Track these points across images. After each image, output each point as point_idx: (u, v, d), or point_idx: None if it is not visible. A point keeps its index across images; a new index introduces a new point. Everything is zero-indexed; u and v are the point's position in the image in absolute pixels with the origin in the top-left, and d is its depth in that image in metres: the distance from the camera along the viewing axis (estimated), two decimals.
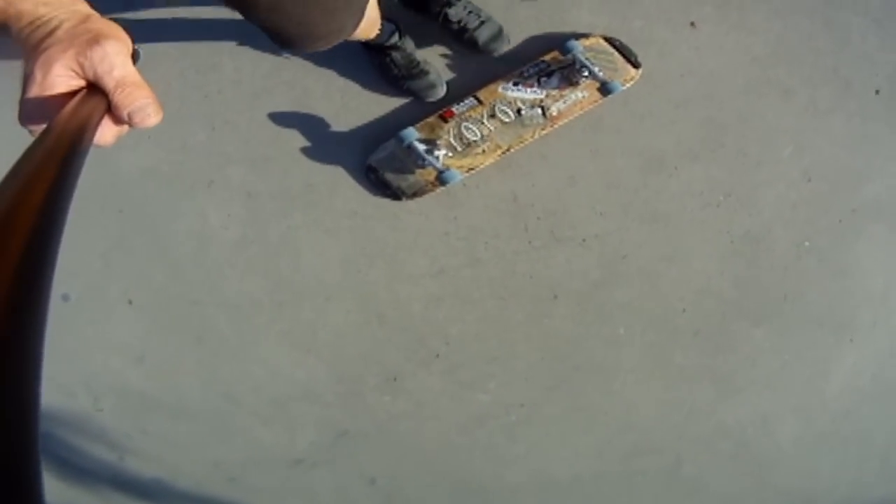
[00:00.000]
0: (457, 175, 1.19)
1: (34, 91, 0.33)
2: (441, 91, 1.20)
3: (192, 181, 1.30)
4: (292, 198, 1.29)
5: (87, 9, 0.36)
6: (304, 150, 1.28)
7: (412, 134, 1.20)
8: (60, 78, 0.33)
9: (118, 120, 0.35)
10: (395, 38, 1.14)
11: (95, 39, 0.33)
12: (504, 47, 1.18)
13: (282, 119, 1.27)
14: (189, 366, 1.41)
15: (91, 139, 0.31)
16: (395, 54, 1.16)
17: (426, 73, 1.19)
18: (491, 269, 1.27)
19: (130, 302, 1.39)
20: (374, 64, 1.21)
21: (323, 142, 1.27)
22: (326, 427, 1.46)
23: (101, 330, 1.41)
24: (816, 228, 1.35)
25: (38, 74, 0.33)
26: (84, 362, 1.43)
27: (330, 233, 1.29)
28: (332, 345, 1.37)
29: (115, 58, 0.34)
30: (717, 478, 1.55)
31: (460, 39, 1.17)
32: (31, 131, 0.34)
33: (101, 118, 0.33)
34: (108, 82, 0.34)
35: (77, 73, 0.33)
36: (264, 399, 1.43)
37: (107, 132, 0.35)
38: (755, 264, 1.34)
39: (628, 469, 1.51)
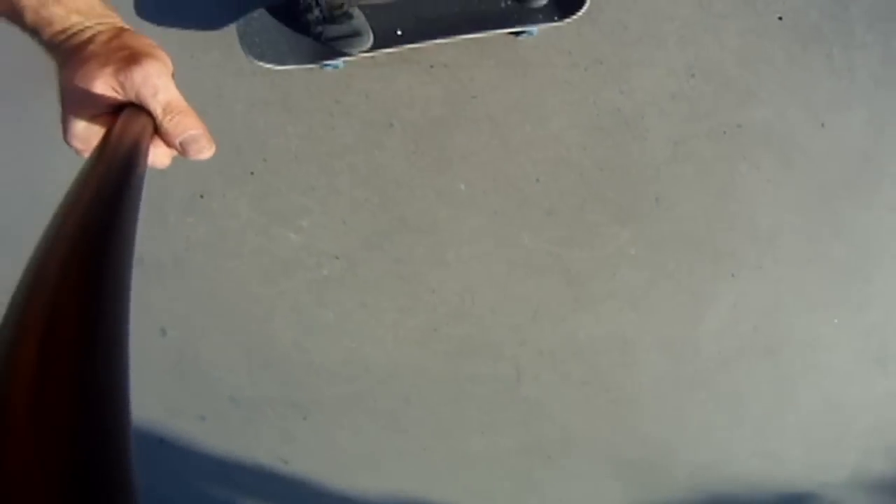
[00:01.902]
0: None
1: (76, 109, 0.32)
2: (366, 41, 1.03)
3: None
4: None
5: (119, 21, 0.36)
6: None
7: None
8: (103, 96, 0.32)
9: (170, 144, 0.35)
10: None
11: (134, 59, 0.32)
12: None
13: None
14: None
15: (146, 162, 0.30)
16: None
17: (350, 16, 1.01)
18: (325, 79, 1.14)
19: None
20: (289, 1, 1.04)
21: None
22: None
23: None
24: (696, 130, 1.22)
25: (79, 89, 0.32)
26: None
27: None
28: None
29: (157, 80, 0.33)
30: (561, 404, 1.32)
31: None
32: (77, 149, 0.34)
33: (151, 139, 0.33)
34: (155, 108, 0.33)
35: (118, 92, 0.32)
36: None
37: (161, 153, 0.35)
38: (624, 150, 1.20)
39: (456, 371, 1.28)
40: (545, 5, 1.08)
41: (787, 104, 1.25)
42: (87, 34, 0.33)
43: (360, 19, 1.03)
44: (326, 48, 1.05)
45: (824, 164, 1.26)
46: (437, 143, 1.17)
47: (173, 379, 1.35)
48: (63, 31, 0.33)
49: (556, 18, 1.09)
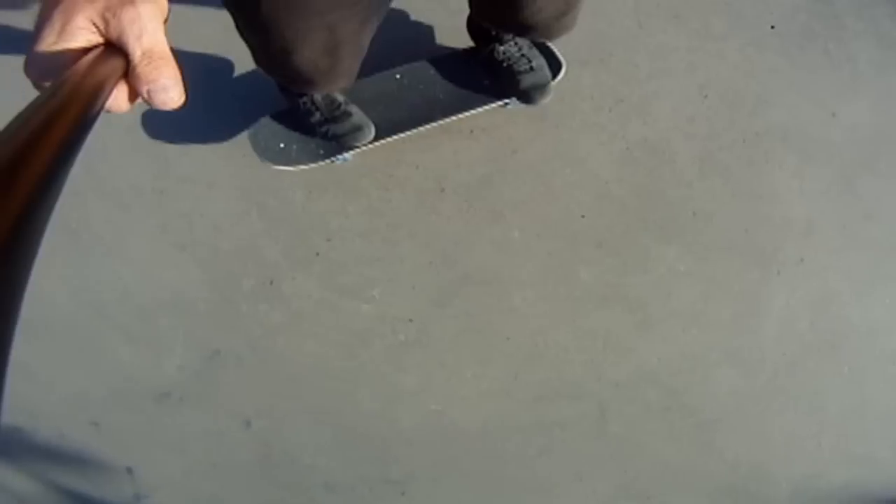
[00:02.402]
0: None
1: (49, 40, 0.29)
2: (368, 133, 1.09)
3: None
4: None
5: None
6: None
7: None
8: (81, 30, 0.29)
9: (134, 91, 0.31)
10: None
11: None
12: (546, 100, 1.11)
13: None
14: (59, 268, 1.33)
15: (103, 104, 0.28)
16: (319, 99, 1.05)
17: (349, 114, 1.07)
18: (375, 157, 1.24)
19: None
20: (291, 108, 1.11)
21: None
22: (196, 345, 1.31)
23: None
24: (719, 145, 1.31)
25: (56, 21, 0.29)
26: None
27: (220, 114, 1.30)
28: (208, 241, 1.29)
29: (147, 22, 0.30)
30: (649, 436, 1.33)
31: (502, 78, 1.10)
32: (34, 83, 0.31)
33: (116, 83, 0.30)
34: (135, 49, 0.30)
35: (99, 30, 0.30)
36: (132, 308, 1.31)
37: (121, 99, 0.31)
38: (657, 175, 1.28)
39: (542, 417, 1.30)
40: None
41: (797, 103, 1.34)
42: None
43: (358, 115, 1.10)
44: (334, 145, 1.13)
45: (841, 151, 1.34)
46: (487, 199, 1.25)
47: (263, 472, 1.34)
48: None
49: (539, 86, 1.14)
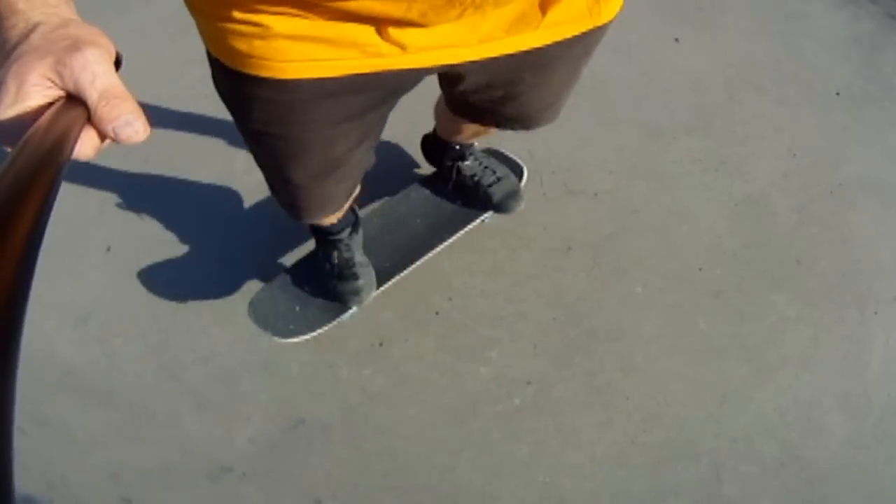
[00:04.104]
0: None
1: (6, 103, 0.30)
2: (366, 297, 1.09)
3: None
4: None
5: (67, 13, 0.34)
6: None
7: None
8: (37, 88, 0.30)
9: (102, 134, 0.32)
10: (346, 233, 1.06)
11: (75, 46, 0.31)
12: (521, 206, 1.13)
13: None
14: (138, 325, 1.25)
15: (70, 154, 0.29)
16: (336, 252, 1.07)
17: (356, 277, 1.08)
18: (504, 220, 1.30)
19: (108, 249, 1.30)
20: (315, 251, 1.12)
21: None
22: (278, 413, 1.22)
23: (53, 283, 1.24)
24: (811, 196, 1.42)
25: (11, 85, 0.30)
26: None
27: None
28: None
29: (97, 66, 0.31)
30: (763, 499, 1.28)
31: (473, 195, 1.11)
32: (4, 147, 0.31)
33: (80, 131, 0.31)
34: (91, 93, 0.31)
35: (56, 84, 0.31)
36: (214, 371, 1.24)
37: (87, 145, 0.32)
38: (761, 226, 1.37)
39: (658, 485, 1.26)
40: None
41: (869, 156, 1.47)
42: (30, 25, 0.32)
43: (365, 279, 1.08)
44: (336, 306, 1.12)
45: None
46: (611, 256, 1.31)
47: None
48: (5, 19, 0.32)
49: (512, 193, 1.15)
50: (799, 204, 1.41)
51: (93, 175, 1.40)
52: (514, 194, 1.13)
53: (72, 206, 1.38)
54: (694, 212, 1.34)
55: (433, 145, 1.17)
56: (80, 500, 1.18)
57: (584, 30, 0.61)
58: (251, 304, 1.17)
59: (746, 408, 1.33)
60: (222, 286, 1.31)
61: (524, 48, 0.59)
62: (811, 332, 1.37)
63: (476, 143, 1.17)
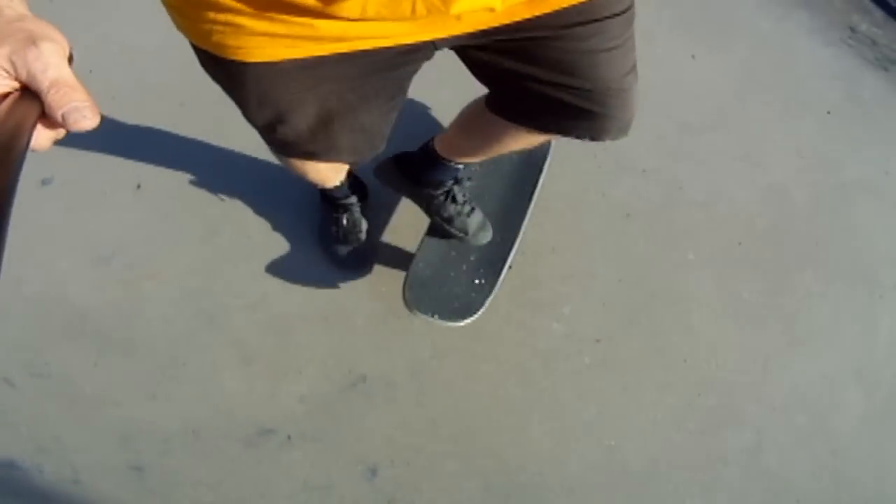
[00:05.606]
0: None
1: None
2: (364, 269, 1.11)
3: None
4: None
5: (21, 8, 0.35)
6: None
7: None
8: None
9: (53, 122, 0.33)
10: (354, 199, 1.07)
11: (30, 39, 0.32)
12: (488, 238, 1.12)
13: None
14: (174, 268, 1.11)
15: (27, 145, 0.30)
16: (346, 215, 1.09)
17: (360, 240, 1.11)
18: (565, 185, 1.34)
19: (138, 186, 1.18)
20: (322, 213, 1.14)
21: None
22: (336, 369, 1.12)
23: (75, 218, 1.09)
24: (821, 189, 1.60)
25: None
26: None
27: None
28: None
29: (49, 58, 0.32)
30: (798, 471, 1.30)
31: (451, 223, 1.09)
32: None
33: (35, 122, 0.32)
34: (42, 82, 0.32)
35: (9, 74, 0.32)
36: (263, 319, 1.11)
37: (42, 136, 0.34)
38: (785, 211, 1.52)
39: (708, 452, 1.28)
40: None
41: (866, 161, 1.69)
42: None
43: (363, 246, 1.13)
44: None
45: None
46: (664, 225, 1.39)
47: None
48: None
49: (480, 229, 1.13)
50: (812, 196, 1.58)
51: (125, 113, 1.28)
52: (484, 226, 1.10)
53: (98, 140, 1.24)
54: (729, 193, 1.47)
55: (419, 166, 1.02)
56: (76, 467, 0.94)
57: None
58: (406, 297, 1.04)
59: (783, 376, 1.39)
60: (274, 230, 1.19)
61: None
62: (831, 309, 1.48)
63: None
